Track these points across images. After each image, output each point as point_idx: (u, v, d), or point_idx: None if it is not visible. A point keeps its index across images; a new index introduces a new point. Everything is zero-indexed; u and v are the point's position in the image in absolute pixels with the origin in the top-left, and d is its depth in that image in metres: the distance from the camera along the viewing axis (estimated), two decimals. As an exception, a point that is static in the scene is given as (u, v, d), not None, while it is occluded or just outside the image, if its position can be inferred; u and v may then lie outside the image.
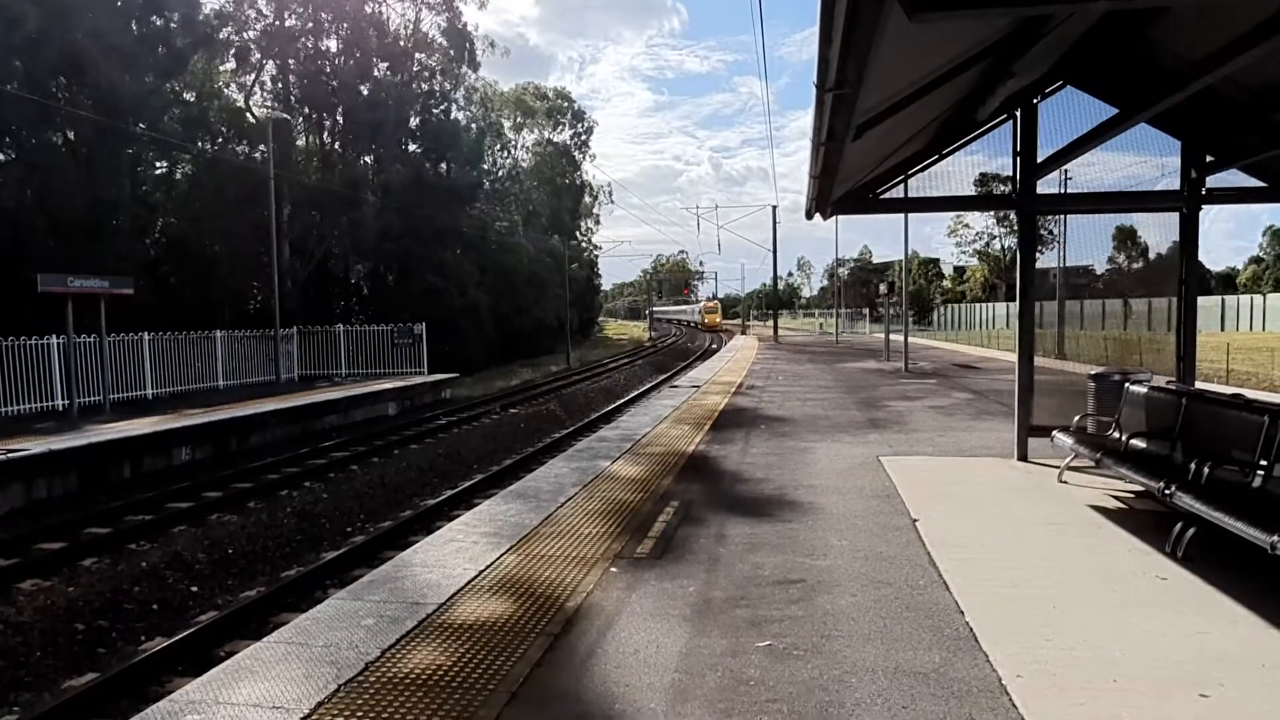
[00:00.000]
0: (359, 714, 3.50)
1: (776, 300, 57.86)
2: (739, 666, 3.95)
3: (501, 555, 5.70)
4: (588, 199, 78.35)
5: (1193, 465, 5.69)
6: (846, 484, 7.98)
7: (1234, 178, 8.57)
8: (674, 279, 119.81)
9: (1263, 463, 5.46)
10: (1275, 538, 4.32)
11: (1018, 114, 8.60)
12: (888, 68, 4.93)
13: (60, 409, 16.72)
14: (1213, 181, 8.51)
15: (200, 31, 27.95)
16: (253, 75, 33.71)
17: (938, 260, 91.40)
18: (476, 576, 5.25)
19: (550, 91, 71.15)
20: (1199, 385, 8.91)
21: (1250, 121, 7.62)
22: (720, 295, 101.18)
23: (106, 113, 22.22)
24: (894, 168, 9.20)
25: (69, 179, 22.72)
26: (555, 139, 69.97)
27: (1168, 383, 8.04)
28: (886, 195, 9.27)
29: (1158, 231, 9.04)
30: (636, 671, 3.91)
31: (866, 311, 72.23)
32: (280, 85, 34.56)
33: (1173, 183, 8.55)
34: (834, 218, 10.92)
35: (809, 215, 9.44)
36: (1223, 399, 6.66)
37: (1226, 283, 71.72)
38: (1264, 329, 49.56)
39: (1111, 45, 7.50)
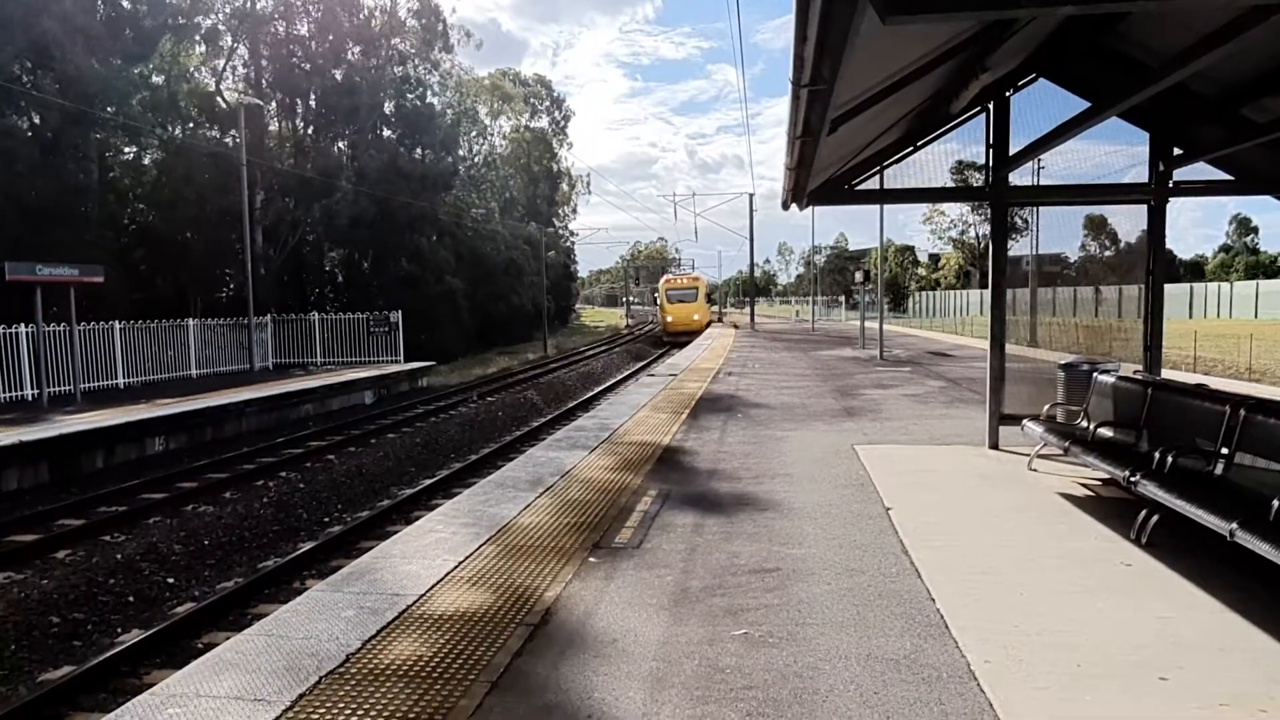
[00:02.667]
0: (340, 705, 3.54)
1: (754, 288, 57.93)
2: (716, 655, 4.03)
3: (480, 545, 5.74)
4: (565, 186, 77.95)
5: (1157, 454, 5.83)
6: (822, 473, 8.09)
7: (1201, 170, 8.68)
8: (652, 266, 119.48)
9: (1224, 451, 5.61)
10: (1234, 525, 4.46)
11: (990, 107, 8.70)
12: (862, 64, 4.98)
13: (29, 399, 16.50)
14: (1180, 174, 8.63)
15: (168, 14, 27.42)
16: (224, 59, 33.14)
17: (913, 248, 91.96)
18: (456, 567, 5.29)
19: (531, 78, 70.68)
20: (1167, 373, 9.10)
21: (1218, 115, 7.74)
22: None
23: (73, 97, 21.79)
24: (869, 159, 9.27)
25: (35, 165, 22.29)
26: (533, 125, 69.53)
27: (1134, 372, 8.20)
28: (862, 186, 9.34)
29: (1128, 219, 9.21)
30: (615, 660, 3.98)
31: (843, 299, 72.66)
32: (252, 70, 34.00)
33: (1142, 174, 8.67)
34: (811, 207, 10.98)
35: (785, 206, 9.50)
36: (1186, 389, 6.82)
37: (1195, 270, 72.70)
38: (1231, 316, 50.46)
39: (1083, 40, 7.61)
